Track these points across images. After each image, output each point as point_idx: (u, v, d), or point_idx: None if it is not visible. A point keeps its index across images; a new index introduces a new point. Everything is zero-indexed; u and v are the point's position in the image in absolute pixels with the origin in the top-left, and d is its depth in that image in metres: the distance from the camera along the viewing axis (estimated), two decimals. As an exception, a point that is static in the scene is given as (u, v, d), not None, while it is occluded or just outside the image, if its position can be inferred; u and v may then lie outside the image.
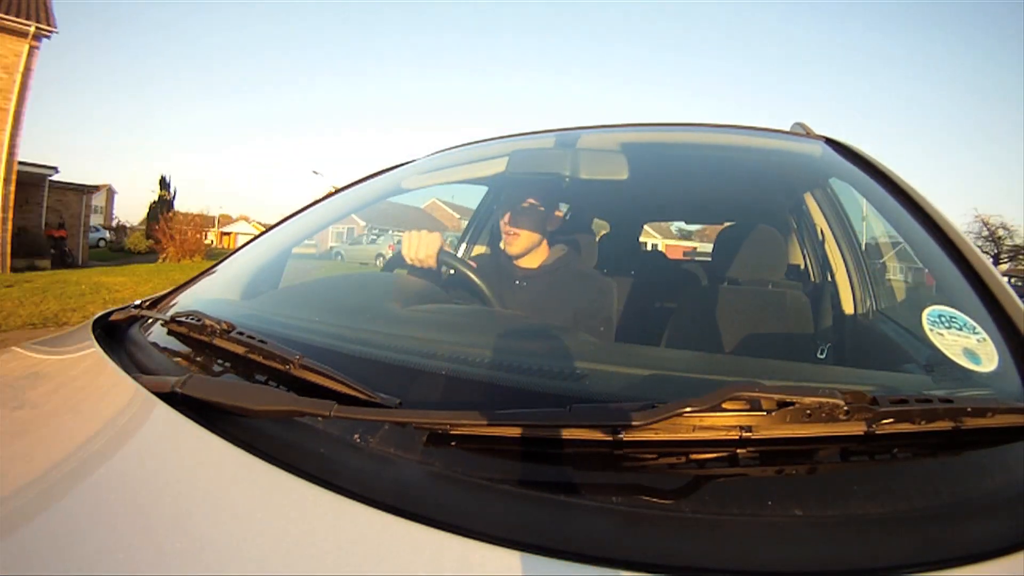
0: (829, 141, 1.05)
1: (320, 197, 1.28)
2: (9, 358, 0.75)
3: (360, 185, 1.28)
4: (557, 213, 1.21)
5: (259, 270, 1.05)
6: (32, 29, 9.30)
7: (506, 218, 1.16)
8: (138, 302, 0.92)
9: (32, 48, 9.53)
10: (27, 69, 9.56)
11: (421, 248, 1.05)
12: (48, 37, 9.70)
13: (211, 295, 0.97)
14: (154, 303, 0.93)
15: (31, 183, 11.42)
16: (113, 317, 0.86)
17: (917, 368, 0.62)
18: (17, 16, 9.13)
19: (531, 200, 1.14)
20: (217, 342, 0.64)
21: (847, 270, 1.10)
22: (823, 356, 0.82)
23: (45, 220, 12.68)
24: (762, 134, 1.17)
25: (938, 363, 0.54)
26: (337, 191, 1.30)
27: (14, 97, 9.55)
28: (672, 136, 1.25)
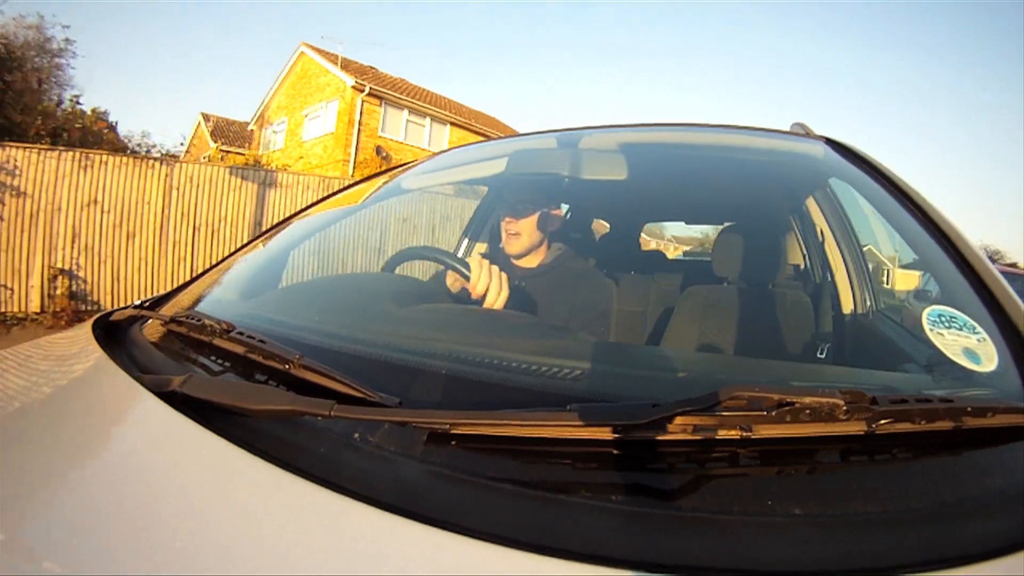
0: (829, 141, 1.05)
1: (321, 197, 1.29)
2: (9, 358, 0.75)
3: (359, 185, 1.28)
4: (556, 212, 1.21)
5: (259, 270, 1.05)
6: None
7: (507, 218, 1.16)
8: (138, 302, 0.92)
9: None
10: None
11: (499, 290, 0.93)
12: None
13: (211, 295, 0.97)
14: (154, 303, 0.93)
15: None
16: (113, 317, 0.86)
17: (917, 368, 0.62)
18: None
19: (532, 200, 1.14)
20: (217, 342, 0.64)
21: (847, 270, 1.11)
22: (823, 356, 0.82)
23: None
24: (762, 134, 1.17)
25: (938, 363, 0.54)
26: (337, 191, 1.30)
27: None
28: (672, 136, 1.25)
